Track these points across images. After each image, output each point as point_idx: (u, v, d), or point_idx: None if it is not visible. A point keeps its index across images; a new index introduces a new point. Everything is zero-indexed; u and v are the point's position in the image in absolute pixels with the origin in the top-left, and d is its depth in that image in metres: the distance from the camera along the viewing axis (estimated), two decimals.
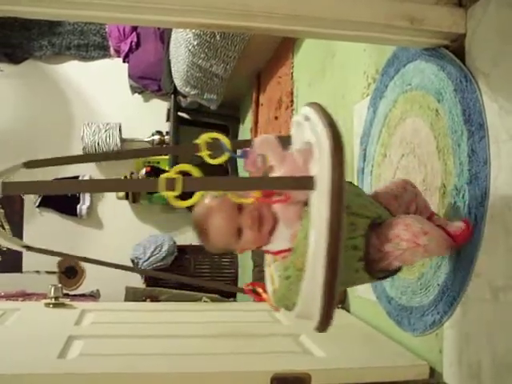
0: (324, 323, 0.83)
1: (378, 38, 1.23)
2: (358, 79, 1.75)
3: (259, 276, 2.33)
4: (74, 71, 4.28)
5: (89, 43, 4.28)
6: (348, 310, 1.80)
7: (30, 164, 1.01)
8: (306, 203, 0.85)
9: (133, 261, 3.64)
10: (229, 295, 2.95)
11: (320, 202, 0.76)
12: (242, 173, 3.06)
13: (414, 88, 1.36)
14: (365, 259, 0.95)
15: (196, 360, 1.29)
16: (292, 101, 2.58)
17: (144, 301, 2.66)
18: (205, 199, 0.95)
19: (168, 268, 3.59)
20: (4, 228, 4.12)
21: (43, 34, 4.20)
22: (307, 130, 0.85)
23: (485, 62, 1.11)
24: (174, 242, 3.76)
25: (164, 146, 4.07)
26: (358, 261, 0.94)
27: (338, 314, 1.77)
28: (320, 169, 0.77)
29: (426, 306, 1.26)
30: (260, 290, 0.98)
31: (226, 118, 3.85)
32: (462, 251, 1.13)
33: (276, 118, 2.76)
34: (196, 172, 0.80)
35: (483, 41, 1.12)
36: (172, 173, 0.76)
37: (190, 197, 0.80)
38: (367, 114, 1.63)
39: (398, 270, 1.05)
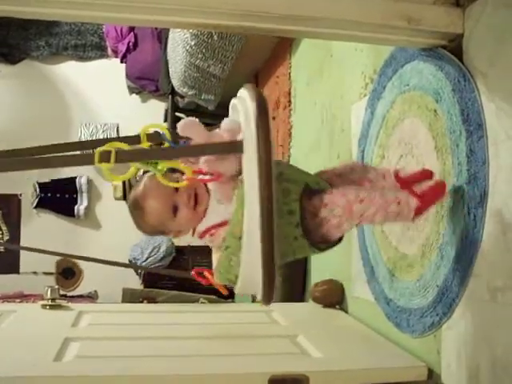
0: (267, 293, 0.82)
1: (375, 37, 1.23)
2: (356, 79, 1.75)
3: None
4: (71, 71, 4.27)
5: (86, 43, 4.28)
6: (346, 311, 1.79)
7: None
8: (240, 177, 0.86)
9: (131, 261, 3.62)
10: (227, 296, 2.94)
11: (249, 163, 0.78)
12: None
13: (412, 88, 1.35)
14: (302, 225, 0.95)
15: (193, 362, 1.28)
16: (290, 101, 2.58)
17: (141, 302, 2.65)
18: (141, 181, 0.98)
19: (166, 268, 3.58)
20: (1, 229, 4.11)
21: (40, 34, 4.19)
22: (238, 107, 0.87)
23: (482, 61, 1.10)
24: (172, 243, 3.74)
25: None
26: (296, 227, 0.94)
27: (336, 314, 1.79)
28: (247, 132, 0.78)
29: (425, 307, 1.26)
30: (207, 274, 0.99)
31: (224, 119, 3.83)
32: (462, 251, 1.13)
33: (273, 118, 2.75)
34: (126, 146, 0.82)
35: (481, 41, 1.12)
36: (106, 147, 0.78)
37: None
38: (365, 115, 1.63)
39: (339, 241, 1.04)
